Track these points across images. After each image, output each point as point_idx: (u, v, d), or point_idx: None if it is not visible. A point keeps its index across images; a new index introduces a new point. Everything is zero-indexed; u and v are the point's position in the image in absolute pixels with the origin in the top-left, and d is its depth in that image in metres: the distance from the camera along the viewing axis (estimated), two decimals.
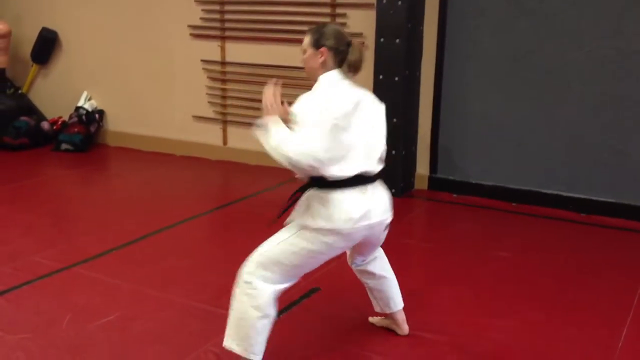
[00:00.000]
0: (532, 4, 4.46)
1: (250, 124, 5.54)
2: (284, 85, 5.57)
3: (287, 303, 3.10)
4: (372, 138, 2.44)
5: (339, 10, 5.06)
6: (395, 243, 3.97)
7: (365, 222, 2.38)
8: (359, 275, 2.81)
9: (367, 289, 2.84)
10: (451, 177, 4.91)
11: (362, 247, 2.61)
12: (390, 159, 4.91)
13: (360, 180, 2.37)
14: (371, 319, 2.95)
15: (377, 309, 2.85)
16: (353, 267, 2.78)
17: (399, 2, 4.53)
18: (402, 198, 4.76)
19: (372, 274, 2.76)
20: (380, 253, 2.77)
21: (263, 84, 5.35)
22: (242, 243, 3.93)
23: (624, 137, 4.33)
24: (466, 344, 2.79)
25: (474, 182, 4.83)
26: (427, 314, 3.03)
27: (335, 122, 2.27)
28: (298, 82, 5.36)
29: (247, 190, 4.94)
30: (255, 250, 2.44)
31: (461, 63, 4.75)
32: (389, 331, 2.87)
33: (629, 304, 3.17)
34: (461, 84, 4.79)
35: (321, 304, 3.13)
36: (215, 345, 2.73)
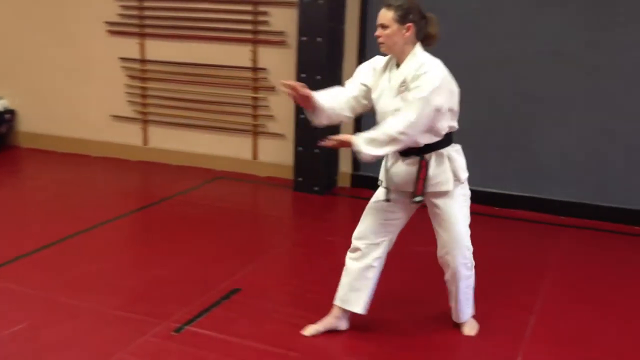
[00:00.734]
0: (444, 4, 4.57)
1: (172, 124, 5.52)
2: (204, 84, 5.45)
3: (207, 305, 3.04)
4: None
5: (260, 8, 5.01)
6: (320, 241, 3.99)
7: None
8: (370, 265, 2.79)
9: (350, 280, 2.77)
10: (373, 175, 4.94)
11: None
12: (313, 157, 4.98)
13: None
14: (309, 332, 2.80)
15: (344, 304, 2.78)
16: (386, 247, 2.81)
17: (320, 1, 4.53)
18: (325, 196, 4.77)
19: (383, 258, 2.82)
20: None
21: (184, 82, 5.37)
22: (161, 246, 3.86)
23: (527, 133, 4.54)
24: (382, 337, 2.82)
25: None
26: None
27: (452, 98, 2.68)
28: (219, 80, 5.30)
29: (168, 191, 4.81)
30: (455, 234, 2.69)
31: None
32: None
33: (536, 292, 3.28)
34: None
35: (242, 304, 3.08)
36: (129, 353, 2.64)
